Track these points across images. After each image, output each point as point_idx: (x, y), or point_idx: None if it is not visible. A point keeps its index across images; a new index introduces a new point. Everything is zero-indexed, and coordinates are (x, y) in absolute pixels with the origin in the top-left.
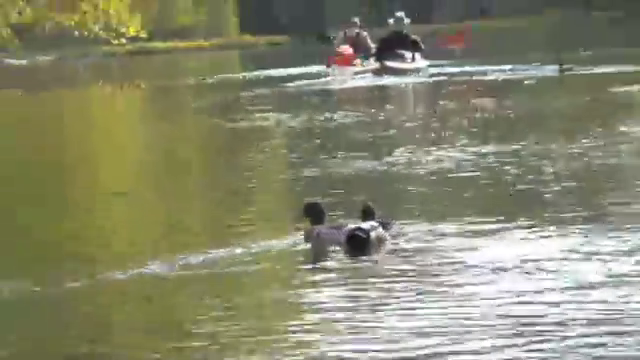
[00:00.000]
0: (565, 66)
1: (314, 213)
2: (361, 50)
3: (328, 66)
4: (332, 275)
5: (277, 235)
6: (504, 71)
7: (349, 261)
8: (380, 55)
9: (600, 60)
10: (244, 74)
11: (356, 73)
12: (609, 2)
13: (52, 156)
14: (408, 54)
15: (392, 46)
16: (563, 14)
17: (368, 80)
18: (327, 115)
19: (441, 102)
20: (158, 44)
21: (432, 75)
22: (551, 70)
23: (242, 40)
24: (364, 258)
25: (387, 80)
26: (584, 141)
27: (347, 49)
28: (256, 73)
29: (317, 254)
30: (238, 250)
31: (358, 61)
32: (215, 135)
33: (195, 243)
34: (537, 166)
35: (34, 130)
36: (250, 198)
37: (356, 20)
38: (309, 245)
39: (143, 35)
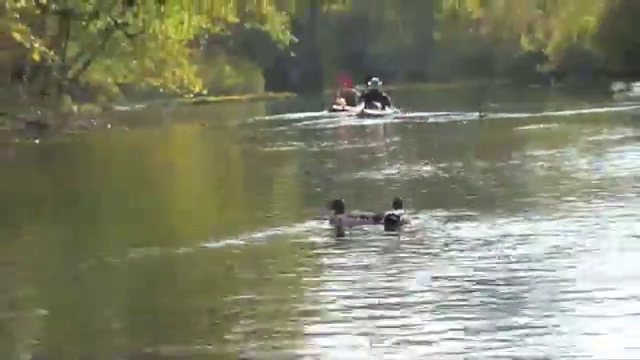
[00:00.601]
0: (483, 113)
1: (337, 206)
2: (351, 101)
3: (330, 110)
4: (350, 248)
5: (306, 220)
6: (441, 116)
7: (368, 238)
8: (363, 105)
9: (504, 110)
10: (268, 117)
11: (348, 116)
12: (504, 73)
13: (153, 168)
14: (380, 105)
15: (370, 99)
16: (476, 82)
17: (354, 121)
18: (329, 142)
19: (401, 135)
20: (212, 98)
21: (395, 118)
22: (474, 116)
23: (267, 95)
24: (392, 234)
25: (367, 121)
26: (502, 161)
27: (342, 101)
28: (277, 116)
29: (339, 233)
30: (281, 231)
31: (349, 109)
32: (253, 155)
33: (248, 228)
34: (478, 175)
35: (139, 152)
36: (281, 197)
37: (376, 79)
38: (333, 227)
39: (204, 92)
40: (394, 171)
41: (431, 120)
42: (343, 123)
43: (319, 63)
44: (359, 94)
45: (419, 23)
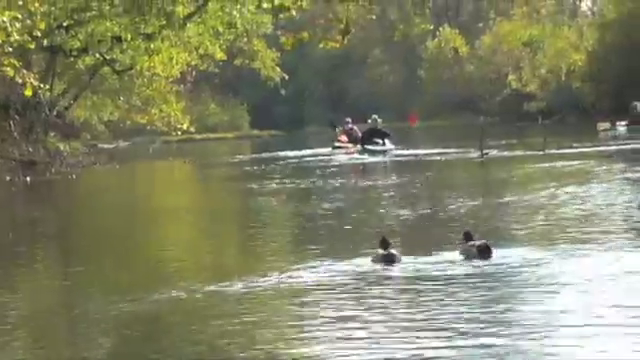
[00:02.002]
0: (485, 152)
1: (385, 244)
2: (353, 139)
3: (334, 148)
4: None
5: (351, 257)
6: (442, 153)
7: (421, 273)
8: (363, 142)
9: (500, 148)
10: (254, 155)
11: (349, 153)
12: (490, 111)
13: (145, 203)
14: (380, 141)
15: (371, 136)
16: (462, 118)
17: (355, 158)
18: (332, 179)
19: (404, 172)
20: (197, 135)
21: (396, 155)
22: (475, 154)
23: (252, 133)
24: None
25: (368, 158)
26: (504, 197)
27: (344, 137)
28: (263, 154)
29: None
30: (321, 268)
31: (350, 146)
32: (238, 193)
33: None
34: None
35: (131, 191)
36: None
37: (375, 117)
38: (463, 256)
39: (192, 129)
40: (400, 211)
41: (434, 157)
42: (344, 160)
43: (303, 101)
44: (359, 133)
45: (403, 61)
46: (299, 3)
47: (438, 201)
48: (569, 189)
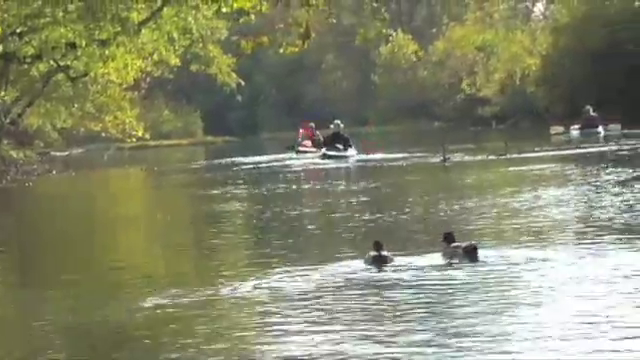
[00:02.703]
0: (448, 156)
1: (378, 246)
2: (316, 143)
3: (298, 152)
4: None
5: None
6: (404, 158)
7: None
8: (326, 147)
9: (461, 153)
10: (213, 161)
11: (312, 158)
12: (444, 116)
13: (104, 210)
14: (342, 146)
15: (333, 141)
16: (416, 123)
17: (317, 162)
18: (295, 184)
19: (368, 177)
20: (151, 142)
21: (359, 160)
22: (438, 158)
23: (206, 139)
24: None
25: (330, 163)
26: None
27: (308, 142)
28: (223, 160)
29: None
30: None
31: (314, 150)
32: (199, 199)
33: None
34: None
35: (90, 198)
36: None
37: (338, 122)
38: (445, 258)
39: (147, 136)
40: (371, 216)
41: (396, 163)
42: (306, 165)
43: (257, 107)
44: (322, 138)
45: (357, 66)
46: (258, 7)
47: (408, 205)
48: (538, 192)
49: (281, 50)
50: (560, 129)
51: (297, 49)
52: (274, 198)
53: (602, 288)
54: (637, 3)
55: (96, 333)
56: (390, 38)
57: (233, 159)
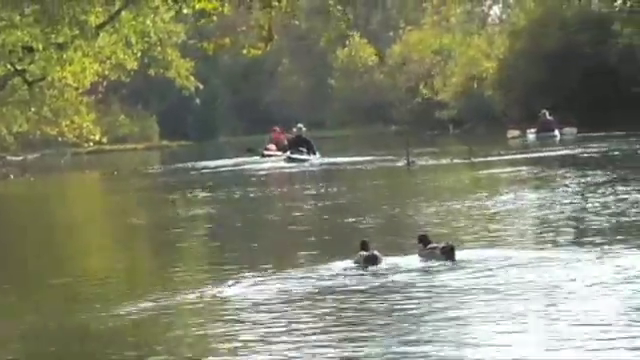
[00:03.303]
0: (412, 160)
1: (366, 245)
2: (281, 147)
3: (262, 156)
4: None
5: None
6: (368, 161)
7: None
8: (289, 150)
9: (425, 156)
10: (177, 165)
11: (277, 161)
12: (402, 119)
13: (68, 215)
14: (305, 149)
15: (297, 144)
16: (372, 127)
17: (281, 166)
18: (260, 188)
19: (333, 180)
20: (107, 147)
21: (322, 163)
22: (402, 162)
23: (162, 144)
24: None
25: (294, 165)
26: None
27: (272, 146)
28: (179, 165)
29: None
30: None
31: (280, 154)
32: (165, 204)
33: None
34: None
35: (49, 199)
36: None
37: (300, 125)
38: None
39: (104, 140)
40: (341, 219)
41: (360, 166)
42: (270, 168)
43: (214, 111)
44: (286, 141)
45: (314, 70)
46: (220, 9)
47: (378, 209)
48: (507, 195)
49: (244, 52)
50: (517, 133)
51: (260, 51)
52: (240, 202)
53: (574, 286)
54: (593, 6)
55: (57, 340)
56: (347, 42)
57: (195, 163)
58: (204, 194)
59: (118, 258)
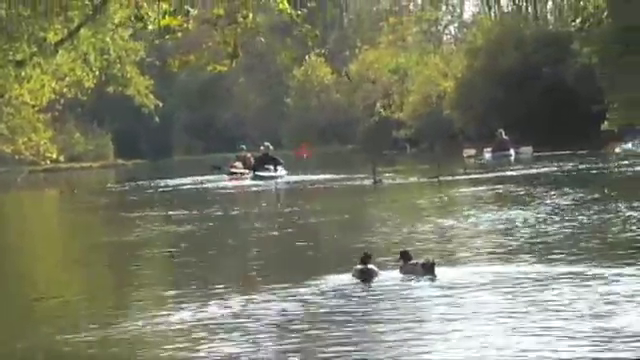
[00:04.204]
0: (378, 178)
1: (368, 259)
2: (247, 165)
3: (229, 174)
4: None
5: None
6: (334, 180)
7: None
8: (255, 168)
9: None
10: (129, 183)
11: (243, 179)
12: (358, 139)
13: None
14: (272, 167)
15: (263, 162)
16: (328, 146)
17: (248, 183)
18: (228, 205)
19: (297, 199)
20: (63, 165)
21: (288, 182)
22: (369, 180)
23: (117, 162)
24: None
25: (260, 183)
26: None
27: (239, 164)
28: (139, 182)
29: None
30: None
31: (246, 172)
32: (128, 223)
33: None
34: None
35: (8, 218)
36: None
37: (267, 144)
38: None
39: (61, 158)
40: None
41: (327, 185)
42: (236, 187)
43: (170, 129)
44: (252, 159)
45: (270, 89)
46: (185, 25)
47: (348, 227)
48: (480, 213)
49: (209, 69)
50: (473, 152)
51: (225, 68)
52: (203, 221)
53: (548, 297)
54: (550, 26)
55: None
56: (303, 61)
57: (157, 181)
58: (168, 213)
59: (75, 279)
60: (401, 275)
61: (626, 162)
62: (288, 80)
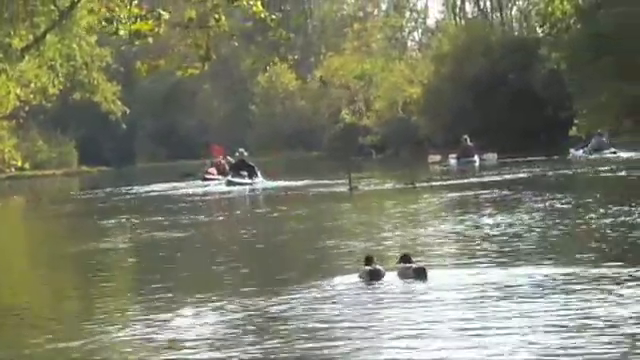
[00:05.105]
0: (354, 185)
1: (370, 260)
2: (222, 171)
3: (203, 180)
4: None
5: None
6: (309, 186)
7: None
8: (231, 174)
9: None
10: (95, 190)
11: (218, 185)
12: (323, 145)
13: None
14: (246, 173)
15: (238, 169)
16: (293, 153)
17: (222, 188)
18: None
19: (273, 206)
20: (27, 172)
21: (264, 188)
22: (344, 187)
23: (81, 169)
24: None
25: (235, 189)
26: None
27: (213, 170)
28: (107, 189)
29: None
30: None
31: (221, 178)
32: (72, 226)
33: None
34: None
35: None
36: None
37: (242, 150)
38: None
39: (26, 166)
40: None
41: (302, 191)
42: (209, 193)
43: (134, 136)
44: (227, 166)
45: (234, 95)
46: (156, 29)
47: (329, 234)
48: (459, 218)
49: (179, 73)
50: (438, 158)
51: (198, 71)
52: (173, 228)
53: (531, 293)
54: (517, 32)
55: None
56: (267, 68)
57: (128, 187)
58: (138, 220)
59: (42, 290)
60: (398, 277)
61: (585, 169)
62: (253, 87)
